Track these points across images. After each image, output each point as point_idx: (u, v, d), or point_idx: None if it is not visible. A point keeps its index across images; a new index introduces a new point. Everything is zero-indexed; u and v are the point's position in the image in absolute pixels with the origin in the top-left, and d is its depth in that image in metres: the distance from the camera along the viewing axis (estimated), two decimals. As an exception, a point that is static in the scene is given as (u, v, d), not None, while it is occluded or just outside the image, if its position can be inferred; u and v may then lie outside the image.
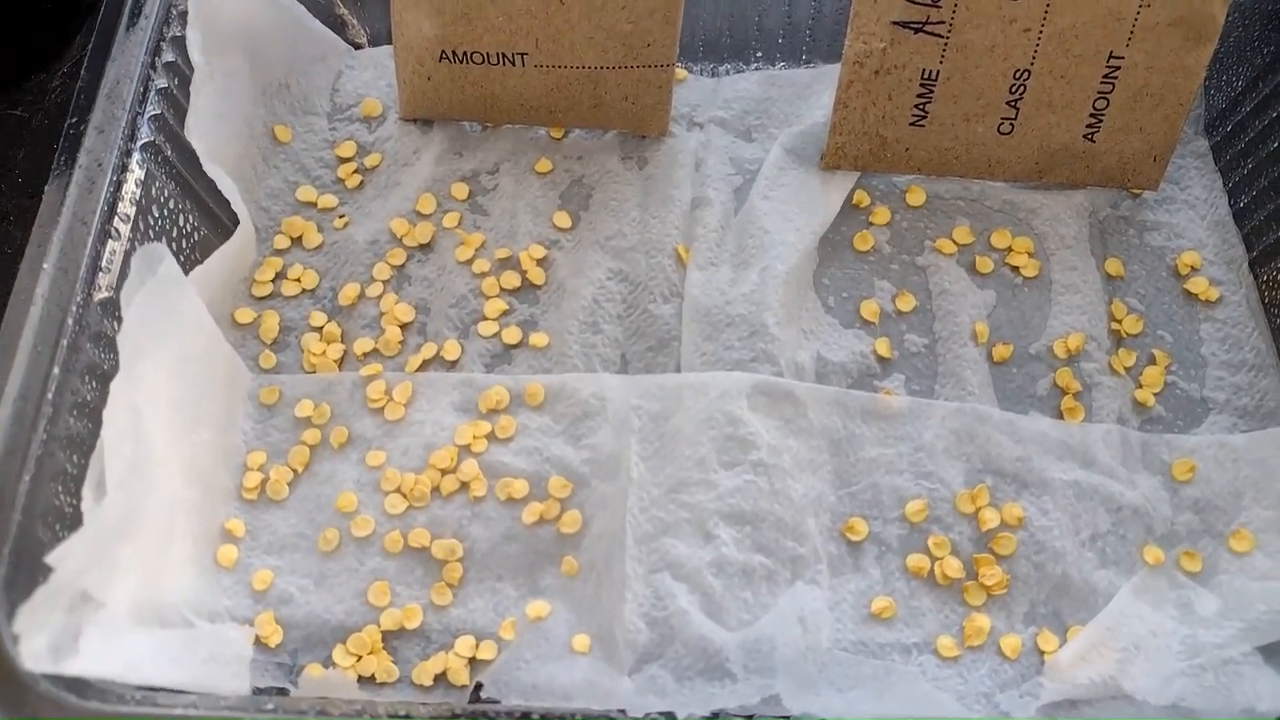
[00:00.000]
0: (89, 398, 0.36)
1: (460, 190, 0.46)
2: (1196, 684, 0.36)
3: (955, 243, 0.45)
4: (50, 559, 0.31)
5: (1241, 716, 0.35)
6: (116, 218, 0.37)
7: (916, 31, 0.41)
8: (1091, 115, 0.43)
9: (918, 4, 0.41)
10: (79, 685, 0.31)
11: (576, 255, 0.44)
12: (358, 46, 0.49)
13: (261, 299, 0.44)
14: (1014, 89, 0.43)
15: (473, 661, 0.37)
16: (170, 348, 0.36)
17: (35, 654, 0.31)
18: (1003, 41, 0.42)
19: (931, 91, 0.43)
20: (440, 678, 0.37)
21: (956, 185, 0.46)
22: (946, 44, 0.42)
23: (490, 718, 0.32)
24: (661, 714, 0.32)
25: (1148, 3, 0.41)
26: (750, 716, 0.33)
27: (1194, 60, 0.42)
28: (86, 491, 0.34)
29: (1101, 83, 0.42)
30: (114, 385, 0.35)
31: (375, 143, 0.47)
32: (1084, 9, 0.41)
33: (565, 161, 0.47)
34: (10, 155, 0.49)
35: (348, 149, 0.47)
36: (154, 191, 0.39)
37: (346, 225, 0.45)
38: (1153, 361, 0.43)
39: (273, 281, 0.44)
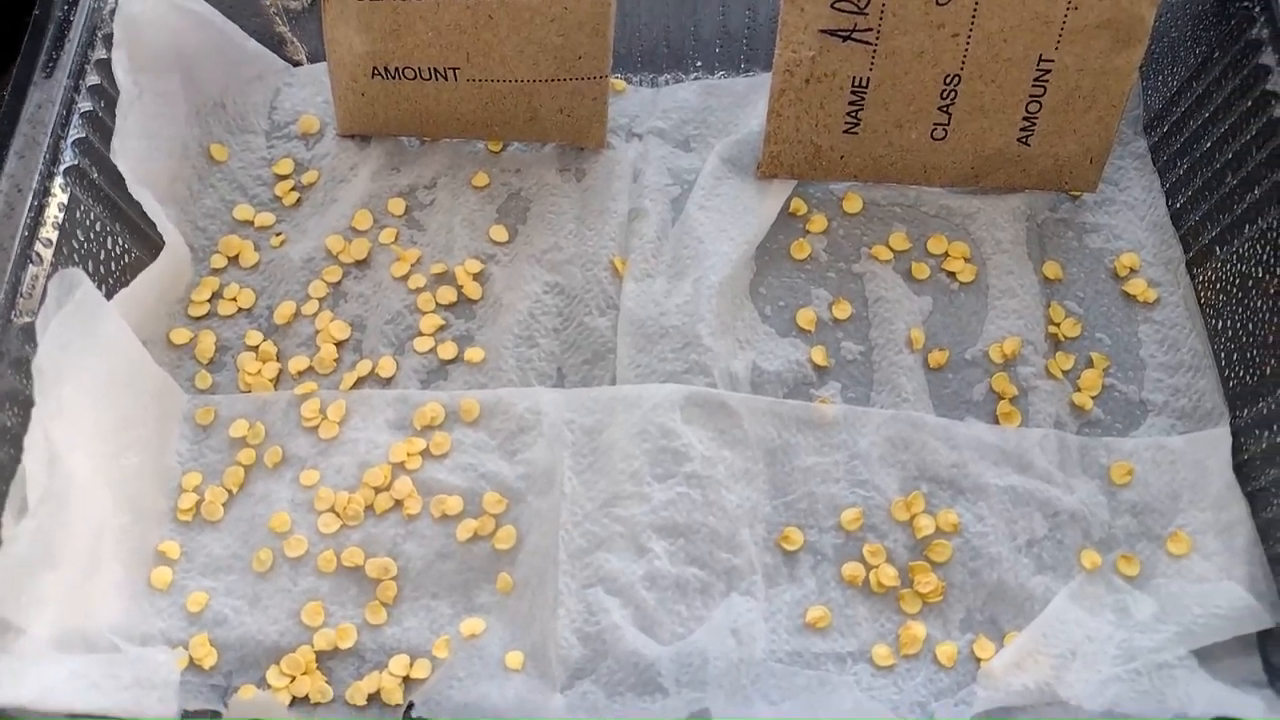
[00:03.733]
0: (9, 424, 0.35)
1: (397, 206, 0.46)
2: (1131, 689, 0.36)
3: (892, 249, 0.45)
4: (-40, 588, 0.31)
5: (1177, 720, 0.35)
6: (38, 242, 0.37)
7: (845, 39, 0.41)
8: (1024, 119, 0.43)
9: (845, 12, 0.41)
10: (-7, 715, 0.31)
11: (513, 269, 0.44)
12: (296, 64, 0.49)
13: (198, 319, 0.44)
14: (945, 94, 0.43)
15: (407, 680, 0.37)
16: (92, 372, 0.36)
17: (-53, 684, 0.31)
18: (931, 47, 0.41)
19: (863, 99, 0.43)
20: (374, 697, 0.37)
21: (893, 191, 0.46)
22: (875, 51, 0.42)
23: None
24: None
25: (1075, 5, 0.41)
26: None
27: (1124, 61, 0.42)
28: (6, 519, 0.34)
29: (1033, 86, 0.42)
30: (35, 412, 0.35)
31: (313, 160, 0.47)
32: (1011, 13, 0.41)
33: (503, 175, 0.47)
34: None
35: (285, 166, 0.47)
36: (79, 215, 0.39)
37: (283, 243, 0.45)
38: (1091, 364, 0.43)
39: (209, 301, 0.44)
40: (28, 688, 0.32)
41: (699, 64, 0.50)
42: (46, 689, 0.32)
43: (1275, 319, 0.39)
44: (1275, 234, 0.39)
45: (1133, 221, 0.46)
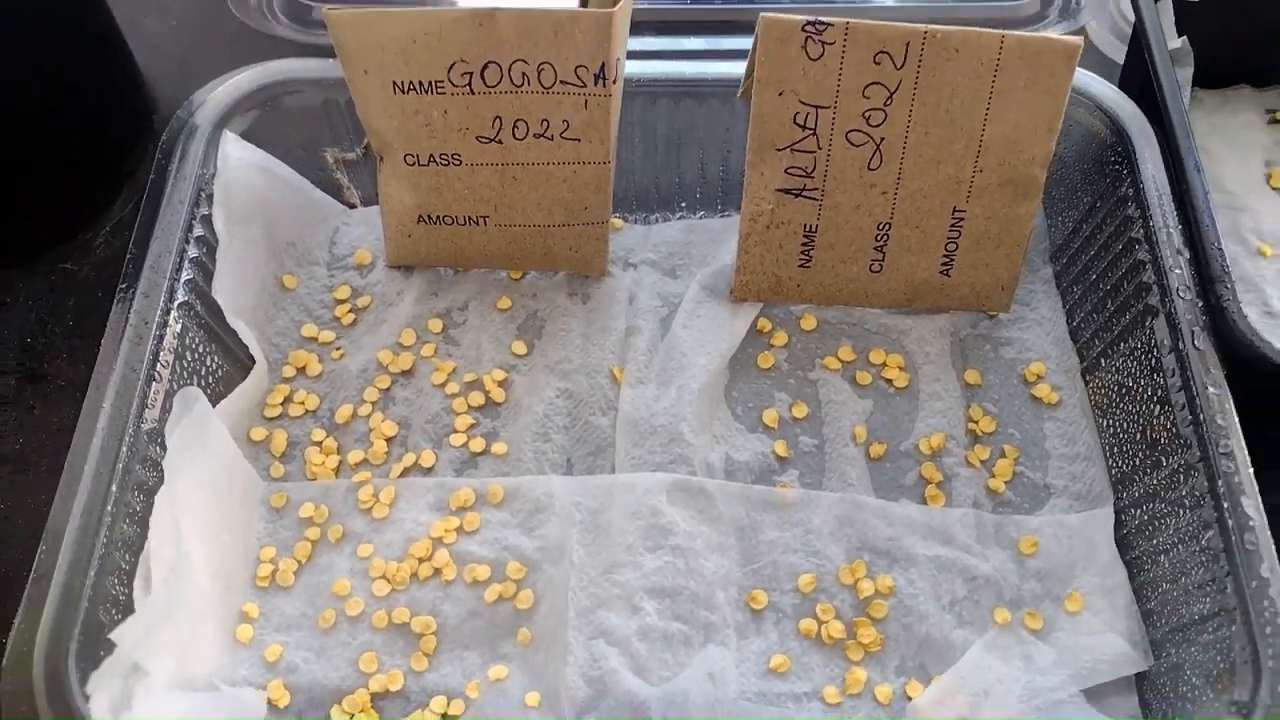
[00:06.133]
0: (138, 509, 0.45)
1: (435, 325, 0.55)
2: None
3: (840, 360, 0.54)
4: (114, 636, 0.40)
5: (1063, 745, 0.43)
6: (159, 364, 0.47)
7: (796, 196, 0.52)
8: (944, 256, 0.53)
9: (796, 176, 0.51)
10: (133, 736, 0.39)
11: (531, 377, 0.54)
12: (351, 206, 0.59)
13: (272, 419, 0.53)
14: (879, 238, 0.53)
15: (445, 717, 0.45)
16: (202, 469, 0.45)
17: (101, 710, 0.39)
18: (865, 202, 0.52)
19: (813, 241, 0.53)
20: None
21: (841, 312, 0.55)
22: (821, 205, 0.52)
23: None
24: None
25: (980, 168, 0.51)
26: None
27: (1024, 211, 0.52)
28: (137, 584, 0.43)
29: (950, 231, 0.52)
30: (158, 499, 0.44)
31: (366, 286, 0.57)
32: (929, 175, 0.51)
33: (522, 299, 0.56)
34: (62, 302, 0.57)
35: (343, 292, 0.56)
36: (187, 340, 0.49)
37: (342, 356, 0.55)
38: (1004, 455, 0.52)
39: (281, 405, 0.53)
40: (158, 716, 0.40)
41: (684, 206, 0.60)
42: (172, 716, 0.41)
43: (1141, 421, 0.48)
44: (1140, 354, 0.49)
45: (1040, 336, 0.55)
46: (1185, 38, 0.58)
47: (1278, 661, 0.39)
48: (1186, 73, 0.59)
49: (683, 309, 0.55)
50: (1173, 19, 0.58)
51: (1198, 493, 0.44)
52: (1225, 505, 0.42)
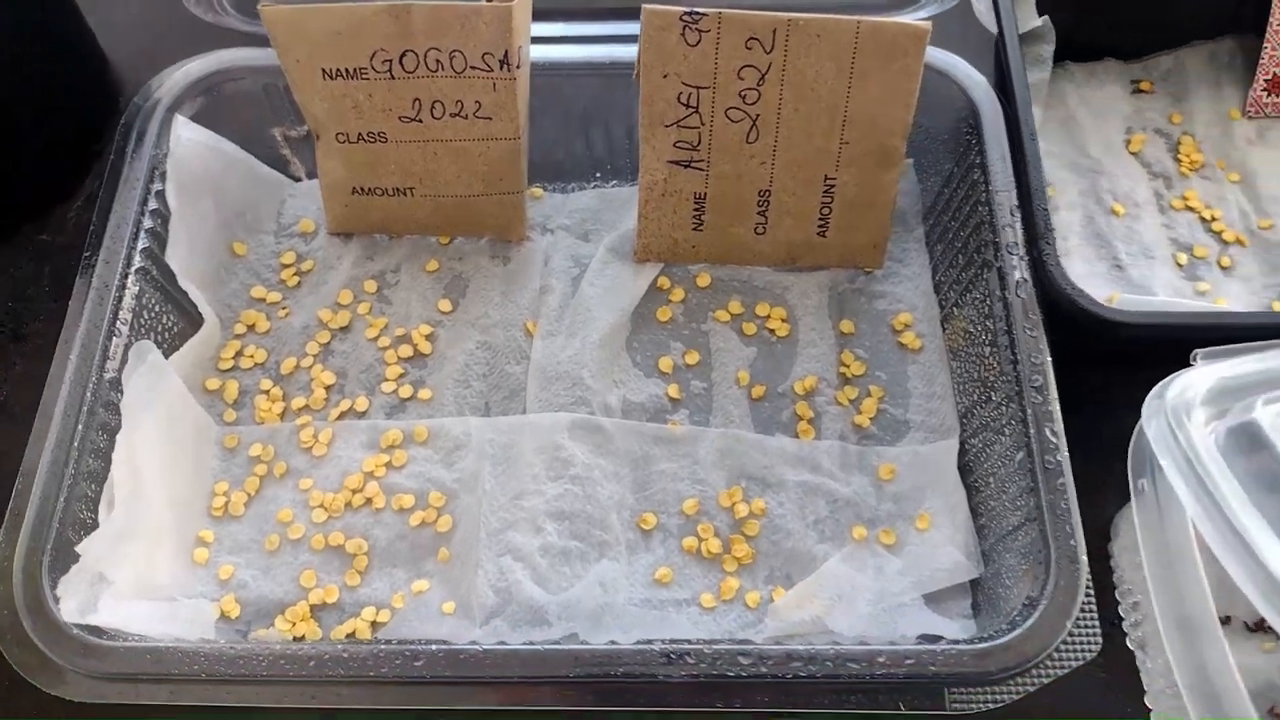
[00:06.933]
0: (102, 445, 0.51)
1: (370, 286, 0.62)
2: (877, 621, 0.50)
3: (730, 313, 0.61)
4: (79, 548, 0.47)
5: (900, 639, 0.50)
6: (119, 321, 0.53)
7: (685, 167, 0.58)
8: (820, 219, 0.60)
9: (683, 149, 0.57)
10: (97, 631, 0.46)
11: (454, 332, 0.60)
12: (296, 179, 0.65)
13: (225, 371, 0.60)
14: (760, 203, 0.59)
15: (374, 624, 0.52)
16: (157, 411, 0.52)
17: (69, 611, 0.46)
18: (747, 171, 0.58)
19: (703, 206, 0.59)
20: (351, 635, 0.52)
21: (732, 271, 0.62)
22: (708, 175, 0.58)
23: (381, 653, 0.46)
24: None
25: (846, 141, 0.57)
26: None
27: (888, 178, 0.58)
28: (101, 509, 0.50)
29: (823, 196, 0.59)
30: (119, 437, 0.51)
31: (309, 252, 0.63)
32: (801, 148, 0.57)
33: (449, 261, 0.63)
34: (40, 270, 0.63)
35: (289, 257, 0.63)
36: (144, 301, 0.56)
37: (287, 315, 0.61)
38: (870, 394, 0.58)
39: (233, 358, 0.59)
40: (121, 617, 0.47)
41: (597, 176, 0.66)
42: (132, 618, 0.48)
43: (978, 362, 0.55)
44: (980, 302, 0.55)
45: (910, 290, 0.61)
46: (1046, 17, 0.64)
47: (1061, 557, 0.46)
48: (1048, 49, 0.65)
49: (591, 269, 0.61)
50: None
51: (1015, 421, 0.50)
52: (1032, 431, 0.49)
